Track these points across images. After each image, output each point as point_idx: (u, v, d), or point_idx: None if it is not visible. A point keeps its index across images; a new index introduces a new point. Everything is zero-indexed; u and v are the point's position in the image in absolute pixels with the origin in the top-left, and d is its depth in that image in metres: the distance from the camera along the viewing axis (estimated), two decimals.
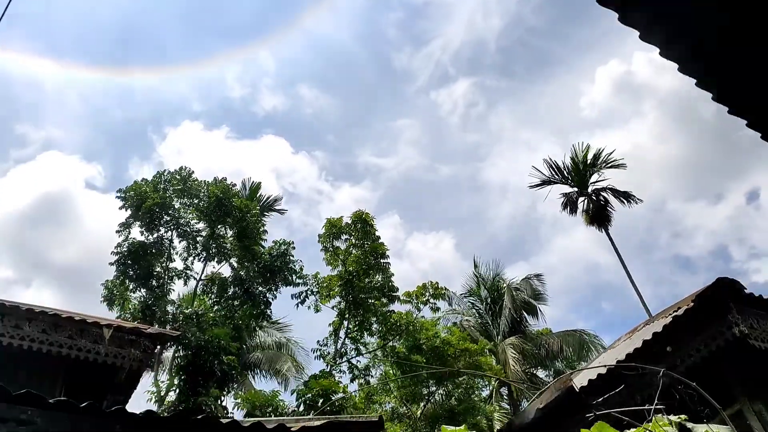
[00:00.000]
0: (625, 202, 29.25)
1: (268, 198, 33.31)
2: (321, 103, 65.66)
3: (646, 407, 5.14)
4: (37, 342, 9.11)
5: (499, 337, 28.55)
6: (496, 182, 64.72)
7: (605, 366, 6.12)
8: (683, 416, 5.00)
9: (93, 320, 9.60)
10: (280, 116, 65.70)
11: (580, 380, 7.58)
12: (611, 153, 29.44)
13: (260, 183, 32.83)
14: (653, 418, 4.86)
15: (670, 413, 5.01)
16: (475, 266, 32.71)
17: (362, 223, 26.36)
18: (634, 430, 4.59)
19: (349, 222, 26.65)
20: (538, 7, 59.06)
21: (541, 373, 29.22)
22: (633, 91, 53.92)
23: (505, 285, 30.46)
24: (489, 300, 30.75)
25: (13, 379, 9.65)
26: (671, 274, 63.49)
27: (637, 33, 3.31)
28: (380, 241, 26.47)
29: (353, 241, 26.42)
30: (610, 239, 28.49)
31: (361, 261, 25.48)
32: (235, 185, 30.10)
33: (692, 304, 7.76)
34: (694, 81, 3.70)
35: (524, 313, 29.49)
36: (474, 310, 31.11)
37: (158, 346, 10.77)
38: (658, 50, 3.42)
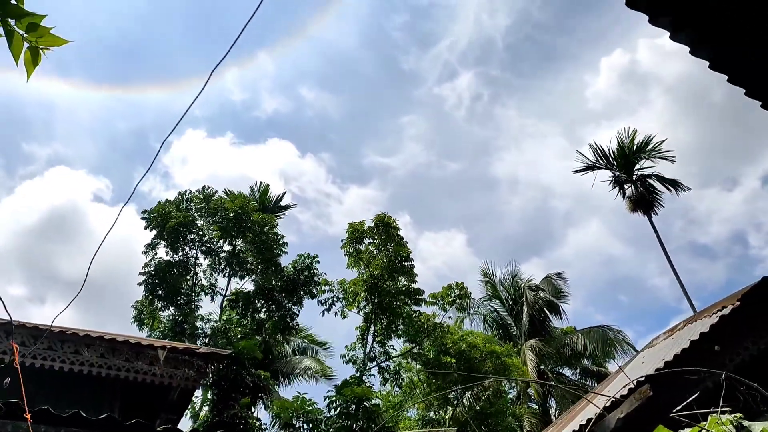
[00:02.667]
0: (672, 189, 28.77)
1: (276, 198, 33.71)
2: (325, 106, 65.49)
3: (711, 410, 5.26)
4: (96, 366, 9.30)
5: (522, 339, 28.40)
6: (505, 177, 64.35)
7: (667, 370, 6.21)
8: (738, 414, 5.12)
9: (148, 343, 9.79)
10: (284, 119, 65.52)
11: (626, 381, 7.66)
12: (662, 142, 28.93)
13: (268, 185, 33.30)
14: (709, 417, 4.99)
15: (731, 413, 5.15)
16: (484, 274, 32.09)
17: (384, 226, 25.94)
18: (689, 430, 4.70)
19: (372, 225, 26.30)
20: (544, 1, 58.93)
21: (567, 372, 29.06)
22: (639, 80, 53.45)
23: (523, 285, 30.18)
24: (510, 301, 30.55)
25: (73, 403, 9.86)
26: (688, 262, 62.89)
27: (646, 18, 3.49)
28: (404, 242, 26.20)
29: (376, 244, 26.18)
30: (653, 226, 28.10)
31: (385, 264, 25.29)
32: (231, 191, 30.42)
33: (737, 303, 7.84)
34: (708, 64, 3.85)
35: (547, 312, 29.23)
36: (495, 314, 30.89)
37: (210, 365, 10.92)
38: (668, 34, 3.60)
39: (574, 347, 27.12)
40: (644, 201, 28.36)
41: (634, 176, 29.24)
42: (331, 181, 62.44)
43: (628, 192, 29.02)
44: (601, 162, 29.77)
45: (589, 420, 5.88)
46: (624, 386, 6.16)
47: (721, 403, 5.44)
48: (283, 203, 34.03)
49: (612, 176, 29.74)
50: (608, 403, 5.76)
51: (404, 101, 65.57)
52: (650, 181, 29.01)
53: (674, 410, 5.16)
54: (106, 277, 46.26)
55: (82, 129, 60.94)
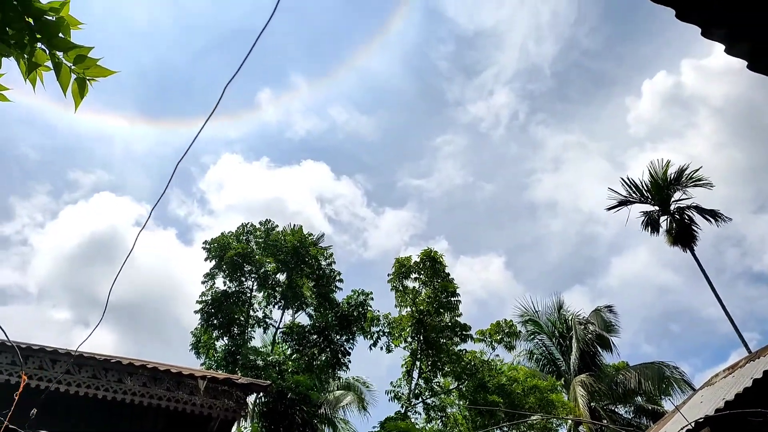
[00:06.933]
0: (712, 220, 26.66)
1: (310, 236, 33.01)
2: (360, 128, 65.37)
3: None
4: (138, 395, 8.99)
5: (571, 374, 26.66)
6: (545, 200, 62.24)
7: (728, 412, 5.38)
8: None
9: (188, 372, 9.43)
10: (318, 141, 65.39)
11: (683, 422, 6.78)
12: (697, 170, 26.86)
13: (301, 226, 32.27)
14: None
15: None
16: (524, 313, 29.02)
17: (431, 261, 25.45)
18: None
19: (418, 260, 25.84)
20: (592, 29, 57.77)
21: (621, 410, 27.00)
22: (684, 102, 51.51)
23: (571, 319, 28.40)
24: (557, 335, 28.79)
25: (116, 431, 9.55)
26: (745, 289, 58.85)
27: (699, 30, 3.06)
28: (450, 278, 25.49)
29: (423, 279, 25.56)
30: (696, 260, 26.02)
31: (431, 300, 24.55)
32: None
33: None
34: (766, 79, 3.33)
35: (597, 347, 27.23)
36: (543, 348, 29.19)
37: (249, 396, 10.47)
38: (722, 49, 3.15)
39: (627, 384, 25.14)
40: (684, 234, 26.35)
41: (672, 209, 27.36)
42: (366, 204, 61.38)
43: (666, 226, 27.05)
44: (634, 196, 27.82)
45: None
46: (682, 428, 5.35)
47: None
48: (320, 244, 33.24)
49: (643, 213, 27.72)
50: None
51: (443, 124, 64.85)
52: (688, 212, 27.01)
53: None
54: (145, 299, 46.40)
55: (129, 159, 62.66)
